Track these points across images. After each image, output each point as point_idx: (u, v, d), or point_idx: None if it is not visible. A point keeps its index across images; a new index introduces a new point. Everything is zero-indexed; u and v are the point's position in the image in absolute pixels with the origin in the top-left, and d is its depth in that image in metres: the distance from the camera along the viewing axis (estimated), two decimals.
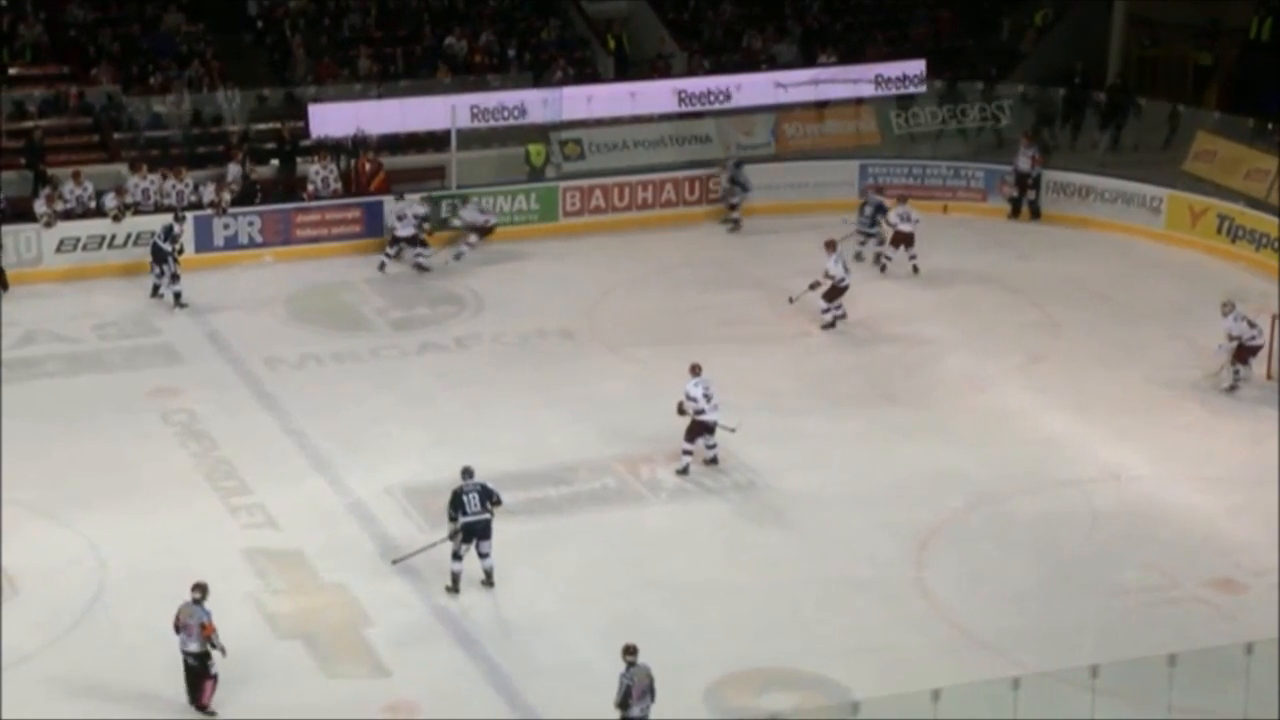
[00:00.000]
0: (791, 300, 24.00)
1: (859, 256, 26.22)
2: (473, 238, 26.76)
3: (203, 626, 15.42)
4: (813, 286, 23.88)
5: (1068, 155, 29.65)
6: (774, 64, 31.78)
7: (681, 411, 19.79)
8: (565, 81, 30.13)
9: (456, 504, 17.45)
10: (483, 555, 17.57)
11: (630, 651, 14.76)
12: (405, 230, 26.32)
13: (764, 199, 29.21)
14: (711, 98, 28.93)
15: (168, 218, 25.46)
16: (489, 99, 28.13)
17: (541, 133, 29.31)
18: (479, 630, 16.87)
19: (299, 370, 22.89)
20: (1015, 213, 28.63)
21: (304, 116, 27.63)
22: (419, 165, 29.05)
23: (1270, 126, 28.91)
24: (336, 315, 24.87)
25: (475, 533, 17.44)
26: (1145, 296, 25.46)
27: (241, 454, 20.28)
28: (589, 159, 29.73)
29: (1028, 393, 22.23)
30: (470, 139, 28.70)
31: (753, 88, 29.56)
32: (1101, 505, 19.38)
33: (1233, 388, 21.97)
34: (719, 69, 31.04)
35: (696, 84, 29.16)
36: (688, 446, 19.85)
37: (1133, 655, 15.44)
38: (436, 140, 28.65)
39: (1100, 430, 21.14)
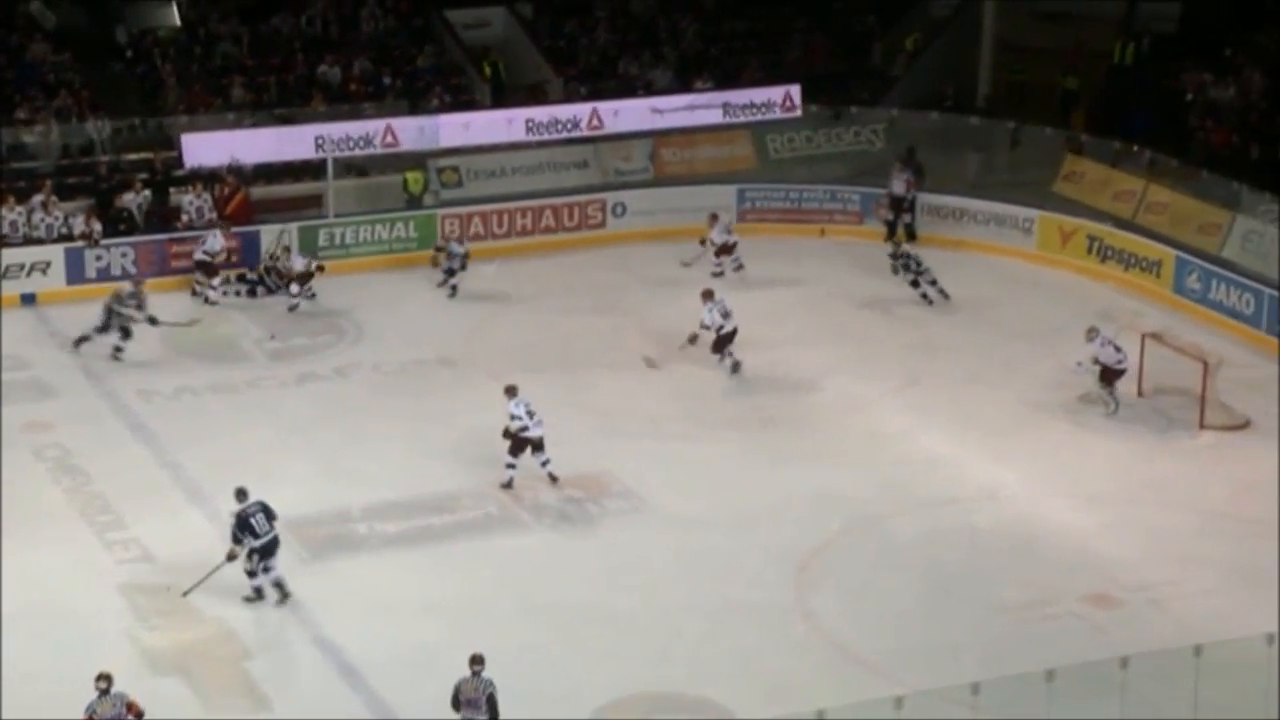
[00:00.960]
0: (681, 347, 23.60)
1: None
2: (295, 287, 25.92)
3: (129, 707, 14.70)
4: (692, 340, 23.44)
5: (940, 178, 30.08)
6: (650, 90, 31.97)
7: (507, 434, 19.99)
8: (442, 109, 30.08)
9: (245, 527, 17.48)
10: (268, 570, 17.57)
11: (477, 661, 14.86)
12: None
13: (642, 224, 29.35)
14: (588, 124, 28.97)
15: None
16: (363, 127, 28.02)
17: (419, 160, 29.23)
18: (361, 661, 16.73)
19: (174, 402, 22.61)
20: (890, 235, 28.95)
21: (176, 146, 27.33)
22: (295, 194, 28.83)
23: (1134, 149, 29.52)
24: (212, 346, 24.59)
25: (270, 551, 17.47)
26: (1019, 316, 25.87)
27: (116, 488, 19.99)
28: (467, 186, 29.68)
29: (906, 413, 22.51)
30: (347, 167, 28.55)
31: (630, 113, 29.72)
32: (980, 524, 19.65)
33: (1114, 410, 22.33)
34: (595, 95, 31.17)
35: (573, 110, 29.20)
36: (512, 461, 20.06)
37: (1012, 671, 15.64)
38: (313, 169, 28.45)
39: (978, 449, 21.44)
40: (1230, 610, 17.54)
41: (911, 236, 28.86)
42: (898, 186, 29.08)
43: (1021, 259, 28.57)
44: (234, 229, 26.92)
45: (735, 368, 23.44)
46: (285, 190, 28.86)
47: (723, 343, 23.38)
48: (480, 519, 19.61)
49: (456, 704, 14.87)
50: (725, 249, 27.03)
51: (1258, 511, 19.70)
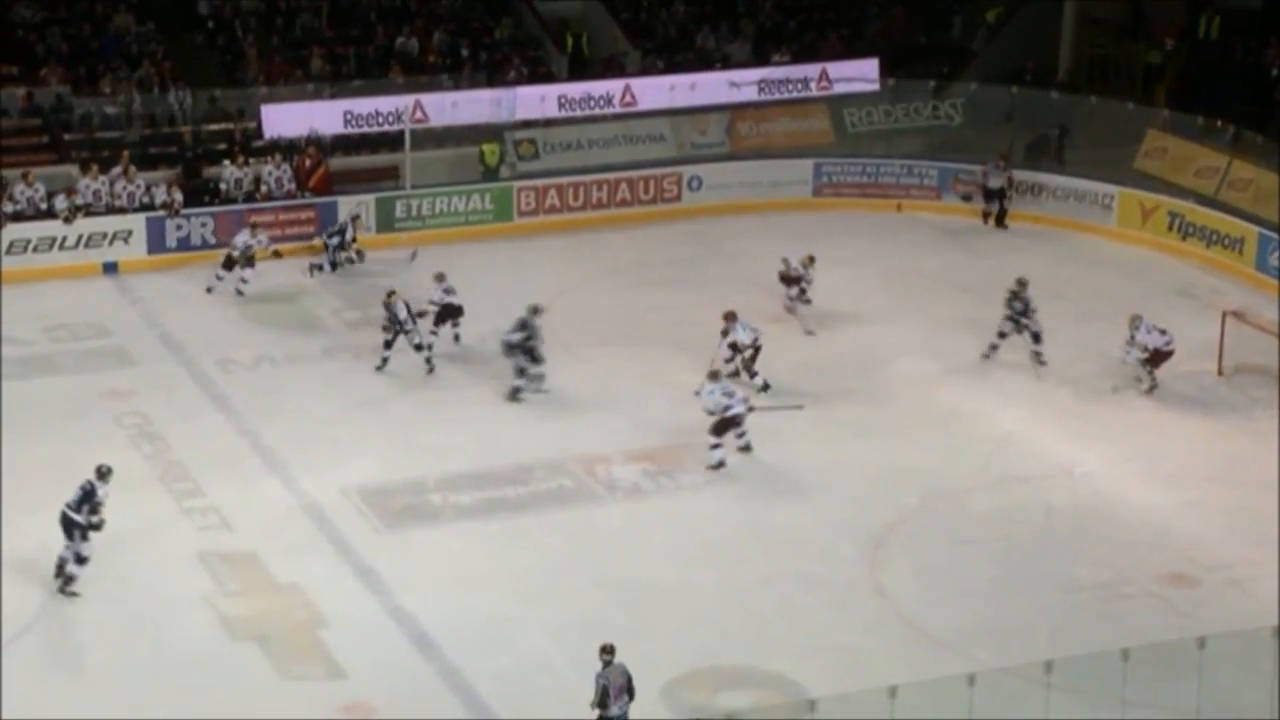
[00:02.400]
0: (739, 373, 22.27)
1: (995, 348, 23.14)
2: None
3: None
4: (731, 364, 21.97)
5: (1020, 152, 29.80)
6: (728, 63, 31.84)
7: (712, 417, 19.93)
8: (519, 81, 30.10)
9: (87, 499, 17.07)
10: (68, 548, 17.14)
11: (607, 650, 14.65)
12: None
13: (719, 198, 29.27)
14: (620, 100, 28.80)
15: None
16: (443, 99, 28.09)
17: (496, 132, 29.27)
18: (436, 631, 16.82)
19: (252, 372, 22.78)
20: (987, 221, 28.73)
21: (257, 117, 27.51)
22: (372, 165, 28.97)
23: (1219, 124, 29.12)
24: (290, 316, 24.76)
25: (67, 531, 17.09)
26: (1098, 294, 25.59)
27: (195, 456, 20.18)
28: (543, 159, 29.71)
29: (983, 390, 22.34)
30: (424, 139, 28.63)
31: (707, 87, 29.62)
32: (1055, 502, 19.50)
33: (1152, 388, 22.08)
34: (673, 68, 31.08)
35: (606, 87, 29.11)
36: (716, 441, 19.93)
37: (1086, 651, 15.53)
38: (390, 140, 28.57)
39: (1055, 427, 21.26)
40: None
41: (1001, 223, 28.55)
42: (995, 181, 28.52)
43: (1102, 236, 28.28)
44: (314, 199, 27.11)
45: (765, 387, 21.82)
46: (363, 161, 29.00)
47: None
48: (554, 491, 19.65)
49: (605, 701, 14.44)
50: (790, 279, 24.55)
51: None
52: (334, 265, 26.18)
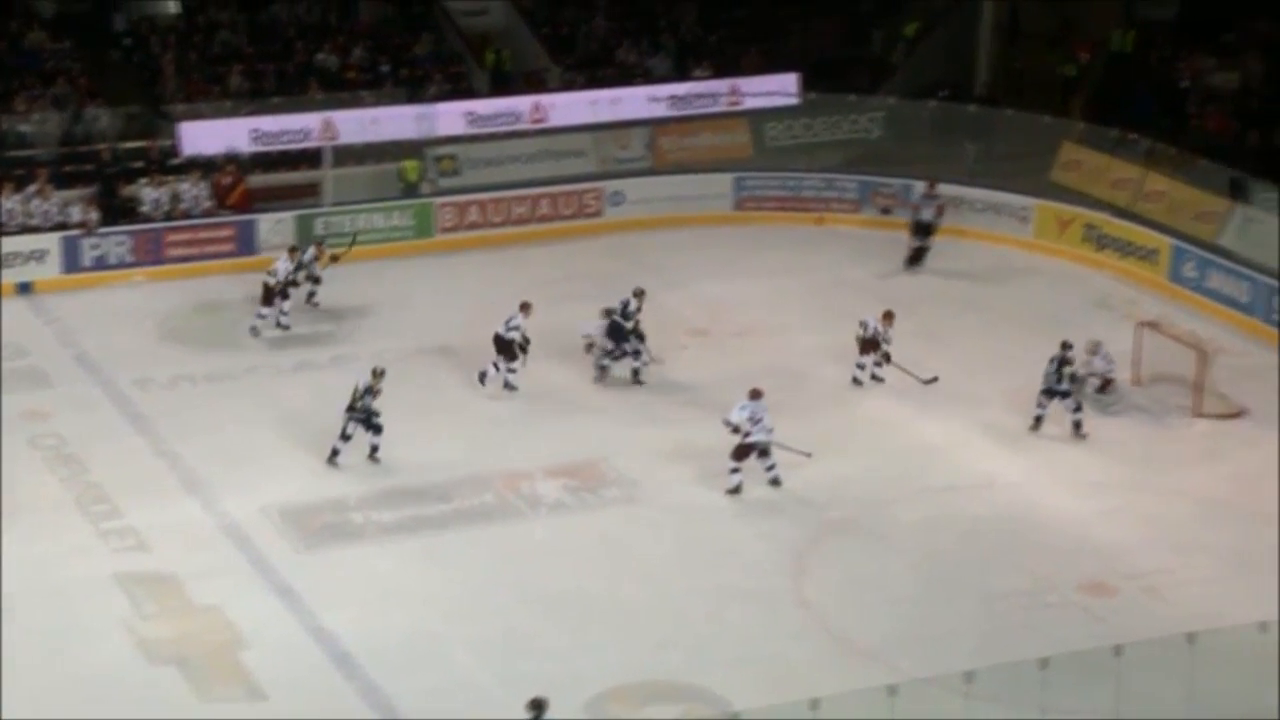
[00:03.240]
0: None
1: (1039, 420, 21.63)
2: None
3: None
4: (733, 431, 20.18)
5: (938, 167, 30.01)
6: (649, 78, 31.90)
7: (735, 430, 19.73)
8: (440, 97, 30.02)
9: None
10: None
11: (536, 705, 14.32)
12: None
13: (641, 212, 29.29)
14: (530, 117, 28.71)
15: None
16: (363, 115, 27.96)
17: (416, 149, 29.17)
18: (357, 650, 16.69)
19: (171, 391, 22.55)
20: (915, 261, 27.20)
21: (175, 134, 27.27)
22: (292, 182, 28.76)
23: (1133, 137, 29.46)
24: (210, 335, 24.53)
25: None
26: (1017, 305, 25.83)
27: (112, 477, 19.94)
28: (464, 175, 29.60)
29: (904, 401, 22.45)
30: (345, 155, 28.47)
31: (628, 102, 29.66)
32: (979, 512, 19.63)
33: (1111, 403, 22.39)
34: (594, 83, 31.08)
35: (511, 103, 29.10)
36: (735, 465, 19.70)
37: (1007, 660, 15.62)
38: (310, 157, 28.39)
39: (977, 437, 21.41)
40: (1226, 598, 17.53)
41: (918, 261, 27.09)
42: (927, 213, 27.25)
43: (1019, 247, 28.52)
44: (232, 217, 26.87)
45: (775, 482, 20.15)
46: (282, 179, 28.79)
47: (743, 452, 19.97)
48: (477, 508, 19.58)
49: None
50: (870, 345, 22.90)
51: (1254, 500, 19.68)
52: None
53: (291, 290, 24.65)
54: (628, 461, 20.47)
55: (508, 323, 22.60)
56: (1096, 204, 28.55)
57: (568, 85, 31.17)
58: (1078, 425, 21.39)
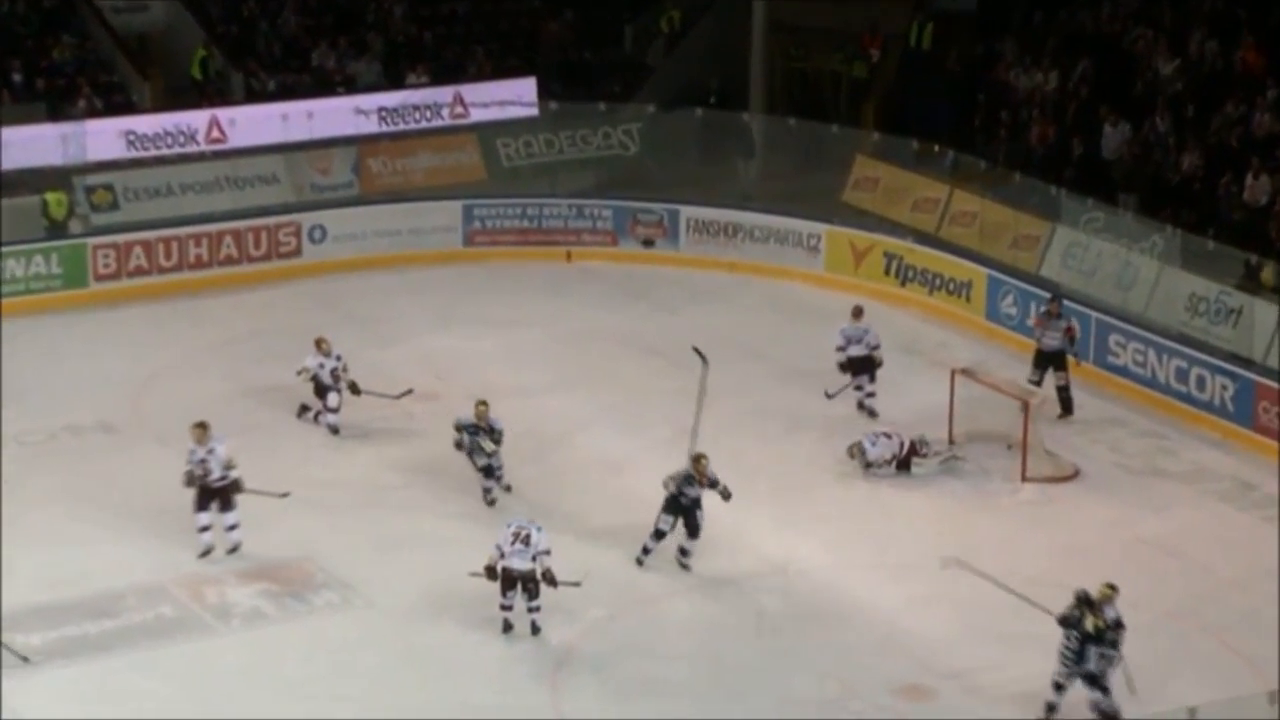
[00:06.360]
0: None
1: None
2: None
3: None
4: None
5: (707, 188, 30.53)
6: (352, 87, 31.93)
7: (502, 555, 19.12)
8: (90, 113, 29.63)
9: None
10: None
11: None
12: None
13: (348, 251, 29.30)
14: (206, 136, 28.79)
15: None
16: None
17: (63, 177, 28.72)
18: None
19: None
20: (1065, 409, 24.73)
21: None
22: None
23: (937, 149, 30.29)
24: None
25: None
26: (806, 353, 26.24)
27: None
28: (124, 209, 29.27)
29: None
30: None
31: (328, 115, 29.66)
32: (768, 604, 19.94)
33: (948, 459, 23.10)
34: (285, 93, 31.00)
35: (258, 113, 29.04)
36: (503, 601, 19.24)
37: None
38: None
39: (763, 514, 21.76)
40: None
41: (1067, 408, 24.69)
42: (1050, 339, 24.69)
43: (808, 282, 29.16)
44: None
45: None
46: None
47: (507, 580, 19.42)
48: (151, 623, 19.27)
49: None
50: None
51: (1089, 577, 20.34)
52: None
53: None
54: (339, 558, 20.37)
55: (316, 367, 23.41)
56: (897, 229, 29.32)
57: (252, 97, 31.03)
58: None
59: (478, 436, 21.85)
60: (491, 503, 21.86)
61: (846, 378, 24.31)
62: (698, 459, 20.55)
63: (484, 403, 21.98)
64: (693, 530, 20.53)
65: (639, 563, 20.51)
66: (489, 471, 21.95)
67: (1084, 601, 17.67)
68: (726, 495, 20.54)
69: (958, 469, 22.99)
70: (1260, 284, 25.36)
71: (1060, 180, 28.69)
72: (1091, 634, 17.47)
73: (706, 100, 32.93)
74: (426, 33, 34.22)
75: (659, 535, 20.51)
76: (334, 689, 18.25)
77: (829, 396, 24.13)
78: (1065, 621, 17.67)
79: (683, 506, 20.44)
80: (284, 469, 22.41)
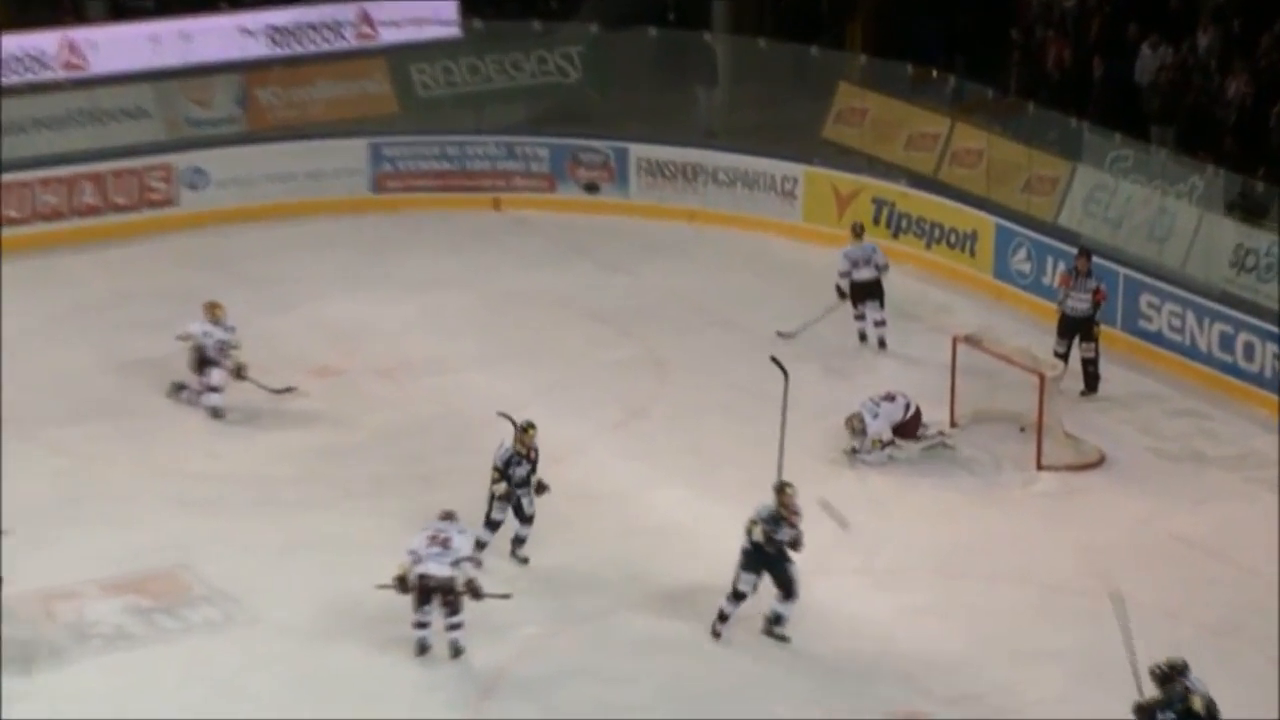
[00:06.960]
0: None
1: None
2: None
3: None
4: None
5: (662, 123, 30.45)
6: (238, 3, 31.72)
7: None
8: None
9: None
10: None
11: None
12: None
13: (234, 199, 29.25)
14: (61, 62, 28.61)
15: None
16: None
17: None
18: None
19: None
20: (1089, 387, 24.82)
21: None
22: None
23: (935, 74, 30.24)
24: None
25: None
26: (780, 317, 26.25)
27: None
28: None
29: (627, 461, 22.74)
30: None
31: (208, 37, 29.49)
32: (735, 618, 19.86)
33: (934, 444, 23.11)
34: (158, 11, 30.82)
35: (123, 34, 28.83)
36: (418, 619, 19.04)
37: None
38: None
39: (729, 509, 21.62)
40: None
41: (1092, 384, 24.80)
42: (1079, 302, 24.68)
43: (782, 234, 29.15)
44: None
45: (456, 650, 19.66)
46: None
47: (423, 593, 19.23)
48: None
49: None
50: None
51: (1117, 582, 20.30)
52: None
53: None
54: (223, 566, 20.25)
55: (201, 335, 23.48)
56: (889, 170, 29.31)
57: (117, 14, 30.83)
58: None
59: (518, 472, 20.33)
60: (524, 560, 20.75)
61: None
62: (782, 489, 19.29)
63: (531, 425, 20.47)
64: (786, 588, 19.23)
65: (715, 635, 19.31)
66: (519, 511, 20.59)
67: (1175, 671, 16.07)
68: (797, 544, 19.19)
69: (950, 457, 22.91)
70: None
71: (1082, 111, 28.65)
72: (1201, 714, 15.91)
73: (662, 18, 32.85)
74: None
75: (738, 598, 19.28)
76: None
77: (784, 336, 24.04)
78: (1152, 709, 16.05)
79: (768, 557, 19.16)
80: (155, 459, 22.34)
